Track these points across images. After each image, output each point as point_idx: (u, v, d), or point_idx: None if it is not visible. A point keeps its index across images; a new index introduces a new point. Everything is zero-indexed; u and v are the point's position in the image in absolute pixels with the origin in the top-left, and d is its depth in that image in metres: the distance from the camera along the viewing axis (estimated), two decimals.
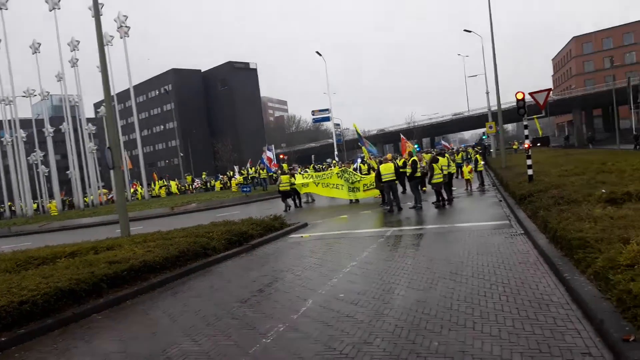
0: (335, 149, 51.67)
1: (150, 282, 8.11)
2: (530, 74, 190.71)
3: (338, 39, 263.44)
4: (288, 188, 20.28)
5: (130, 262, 8.27)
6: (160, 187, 46.72)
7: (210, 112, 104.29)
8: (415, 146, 40.38)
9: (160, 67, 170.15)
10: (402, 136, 28.44)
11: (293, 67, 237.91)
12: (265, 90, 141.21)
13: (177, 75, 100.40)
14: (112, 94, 42.54)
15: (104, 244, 11.06)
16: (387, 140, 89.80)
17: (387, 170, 15.28)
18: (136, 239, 11.36)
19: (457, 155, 27.01)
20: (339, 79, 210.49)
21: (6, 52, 37.01)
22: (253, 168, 36.84)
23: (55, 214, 35.67)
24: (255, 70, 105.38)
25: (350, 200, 19.14)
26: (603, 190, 9.70)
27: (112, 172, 13.98)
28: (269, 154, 35.73)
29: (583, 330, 4.32)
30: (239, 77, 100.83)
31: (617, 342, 3.70)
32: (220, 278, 8.44)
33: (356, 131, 23.35)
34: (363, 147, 24.00)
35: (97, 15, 14.26)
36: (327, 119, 57.81)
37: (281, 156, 62.76)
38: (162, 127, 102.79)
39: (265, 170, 28.59)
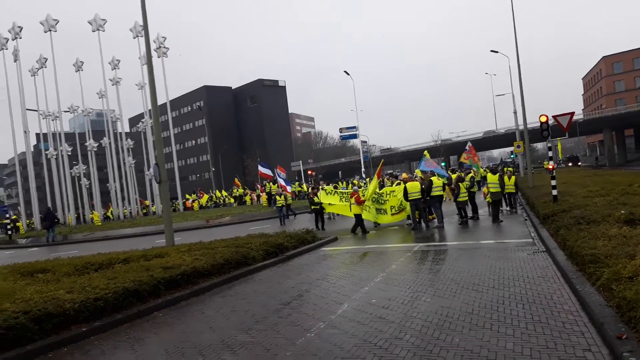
0: (363, 166, 52.40)
1: (200, 286, 9.03)
2: (562, 92, 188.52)
3: (367, 58, 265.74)
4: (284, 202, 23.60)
5: (182, 268, 9.22)
6: (193, 201, 48.32)
7: (240, 128, 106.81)
8: (442, 164, 40.80)
9: (193, 84, 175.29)
10: (470, 144, 28.07)
11: (321, 85, 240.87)
12: (293, 106, 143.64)
13: (209, 92, 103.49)
14: (146, 109, 44.83)
15: (152, 252, 12.05)
16: (412, 157, 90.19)
17: (414, 189, 15.91)
18: (181, 248, 12.33)
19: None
20: (366, 96, 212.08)
21: (54, 71, 39.47)
22: (274, 185, 36.66)
23: (99, 224, 37.47)
24: (284, 87, 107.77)
25: (376, 224, 17.88)
26: (622, 212, 10.17)
27: (159, 185, 15.08)
28: (264, 170, 35.66)
29: (587, 331, 4.98)
30: (268, 94, 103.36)
31: (612, 340, 4.37)
32: (262, 284, 9.29)
33: (425, 156, 22.53)
34: (417, 170, 22.66)
35: (147, 37, 15.56)
36: (355, 136, 58.52)
37: (309, 172, 63.89)
38: (193, 142, 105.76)
39: (282, 197, 23.96)
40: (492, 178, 16.23)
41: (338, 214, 21.84)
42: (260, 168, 38.66)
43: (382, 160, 29.38)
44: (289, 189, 26.51)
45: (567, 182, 23.07)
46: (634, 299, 4.57)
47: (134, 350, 5.90)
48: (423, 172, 21.00)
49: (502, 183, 16.23)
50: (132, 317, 7.31)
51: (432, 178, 16.52)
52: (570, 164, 67.17)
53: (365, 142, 71.38)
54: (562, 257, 8.38)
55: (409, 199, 15.77)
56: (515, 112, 37.91)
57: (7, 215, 39.99)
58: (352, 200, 16.67)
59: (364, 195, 17.19)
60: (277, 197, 23.47)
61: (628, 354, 3.98)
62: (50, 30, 39.85)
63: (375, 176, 18.43)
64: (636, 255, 6.04)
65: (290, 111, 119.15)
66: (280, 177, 28.13)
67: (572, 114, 15.48)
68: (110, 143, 44.19)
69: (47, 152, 43.65)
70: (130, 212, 45.06)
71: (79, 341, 6.33)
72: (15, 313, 6.08)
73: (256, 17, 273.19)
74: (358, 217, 16.51)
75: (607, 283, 5.62)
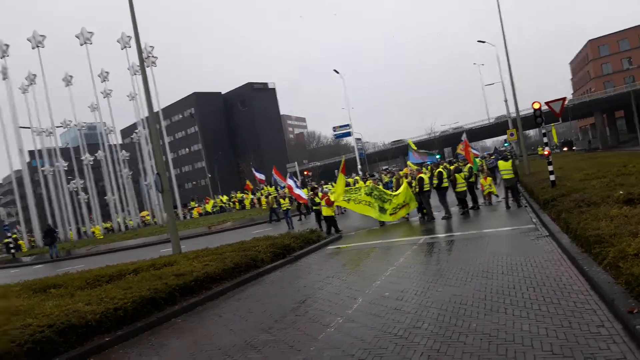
0: (358, 163, 52.66)
1: (213, 290, 9.17)
2: (551, 77, 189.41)
3: (354, 54, 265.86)
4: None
5: (194, 274, 9.36)
6: (192, 208, 48.32)
7: (232, 133, 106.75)
8: (438, 156, 41.01)
9: (181, 90, 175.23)
10: (464, 138, 27.14)
11: (310, 84, 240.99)
12: (284, 108, 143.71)
13: (200, 99, 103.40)
14: (139, 118, 44.91)
15: (160, 261, 12.16)
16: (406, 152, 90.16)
17: (425, 180, 16.04)
18: (189, 255, 12.45)
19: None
20: (355, 92, 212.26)
21: (44, 86, 39.42)
22: (272, 188, 36.42)
23: (100, 237, 37.46)
24: (274, 89, 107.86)
25: (381, 223, 17.06)
26: (621, 192, 10.40)
27: (161, 194, 15.19)
28: (260, 175, 37.59)
29: (598, 309, 5.17)
30: (258, 97, 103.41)
31: (624, 315, 4.56)
32: (274, 285, 9.45)
33: (410, 146, 22.46)
34: (409, 162, 22.43)
35: (139, 48, 15.61)
36: (348, 134, 58.98)
37: (305, 172, 64.05)
38: (187, 149, 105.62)
39: (287, 200, 23.36)
40: (504, 165, 15.97)
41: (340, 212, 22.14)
42: (255, 173, 38.88)
43: (344, 157, 29.39)
44: (303, 195, 24.10)
45: (562, 167, 23.34)
46: None
47: (159, 356, 6.04)
48: (416, 164, 21.18)
49: (515, 169, 15.95)
50: (152, 325, 7.45)
51: (421, 175, 16.26)
52: (565, 149, 67.74)
53: (360, 139, 71.68)
54: (566, 240, 8.57)
55: (424, 189, 15.89)
56: (506, 101, 38.26)
57: (9, 235, 39.88)
58: (323, 203, 16.75)
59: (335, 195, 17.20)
60: (282, 200, 23.14)
61: None
62: (37, 47, 39.79)
63: (340, 174, 17.93)
64: (639, 233, 6.24)
65: (281, 113, 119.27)
66: (291, 181, 27.15)
67: (564, 99, 15.71)
68: (105, 156, 44.18)
69: (43, 168, 43.61)
70: (127, 225, 44.96)
71: (103, 351, 6.46)
72: (40, 327, 6.21)
73: (242, 19, 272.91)
74: (330, 218, 16.62)
75: (614, 262, 5.80)
